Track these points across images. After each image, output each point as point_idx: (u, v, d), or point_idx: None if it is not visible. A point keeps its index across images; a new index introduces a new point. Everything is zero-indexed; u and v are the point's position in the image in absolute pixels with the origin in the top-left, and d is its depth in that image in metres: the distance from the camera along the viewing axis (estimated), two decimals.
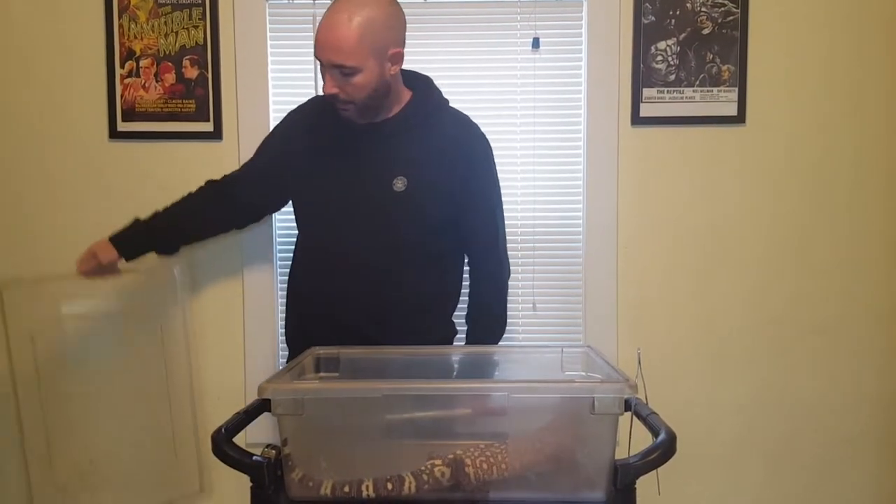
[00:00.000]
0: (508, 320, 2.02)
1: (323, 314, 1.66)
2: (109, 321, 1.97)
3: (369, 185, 1.62)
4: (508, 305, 2.07)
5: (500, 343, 1.77)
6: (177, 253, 1.83)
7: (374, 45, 1.50)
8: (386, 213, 1.61)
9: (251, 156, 1.83)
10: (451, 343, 1.75)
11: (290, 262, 1.82)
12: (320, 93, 1.65)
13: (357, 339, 1.54)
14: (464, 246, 1.72)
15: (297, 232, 1.79)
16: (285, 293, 1.81)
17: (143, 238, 1.77)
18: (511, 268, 2.07)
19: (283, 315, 1.84)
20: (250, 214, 1.87)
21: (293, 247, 1.81)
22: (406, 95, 1.66)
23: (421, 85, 1.69)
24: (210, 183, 1.83)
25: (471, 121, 1.72)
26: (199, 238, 1.89)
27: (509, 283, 2.08)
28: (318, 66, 1.58)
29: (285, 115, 1.81)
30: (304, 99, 2.10)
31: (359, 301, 1.65)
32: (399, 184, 1.60)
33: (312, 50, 1.56)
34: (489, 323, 1.73)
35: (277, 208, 1.91)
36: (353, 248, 1.64)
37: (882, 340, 2.10)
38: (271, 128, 2.06)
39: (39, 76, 2.06)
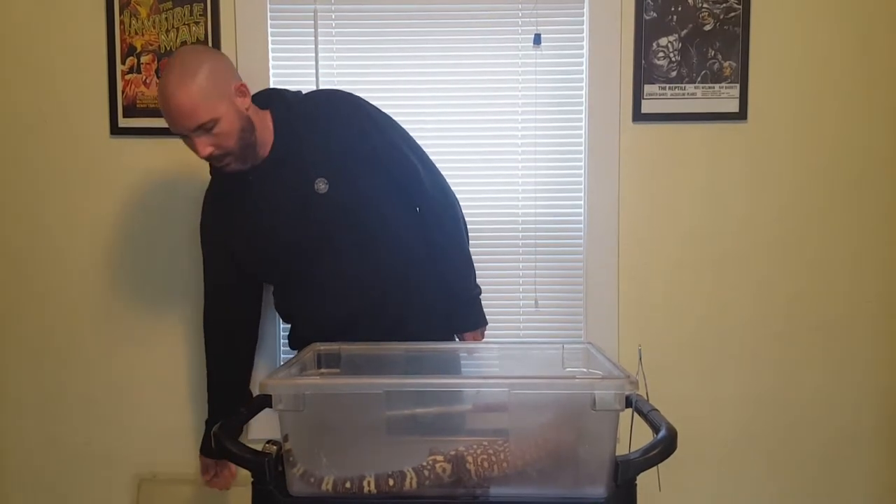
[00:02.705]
0: (509, 317, 2.03)
1: (335, 333, 1.65)
2: None
3: (301, 207, 1.62)
4: (509, 301, 2.09)
5: (501, 339, 1.78)
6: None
7: (216, 90, 1.50)
8: (327, 218, 1.63)
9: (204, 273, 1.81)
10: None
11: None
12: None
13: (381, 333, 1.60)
14: (402, 191, 1.73)
15: None
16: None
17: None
18: (508, 259, 2.09)
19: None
20: (256, 298, 1.84)
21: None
22: (268, 118, 1.64)
23: (272, 99, 1.67)
24: (209, 327, 1.83)
25: (327, 91, 1.74)
26: (252, 357, 1.89)
27: (512, 278, 2.10)
28: (184, 141, 1.57)
29: (200, 227, 1.79)
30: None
31: (361, 303, 1.67)
32: (321, 185, 1.61)
33: (169, 125, 1.54)
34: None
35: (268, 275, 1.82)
36: (329, 267, 1.66)
37: (884, 337, 2.10)
38: None
39: (40, 72, 2.06)
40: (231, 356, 1.83)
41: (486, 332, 1.81)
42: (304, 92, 1.72)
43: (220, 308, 1.80)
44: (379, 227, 1.67)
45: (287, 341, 1.84)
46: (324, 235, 1.64)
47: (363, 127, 1.66)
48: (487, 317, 1.79)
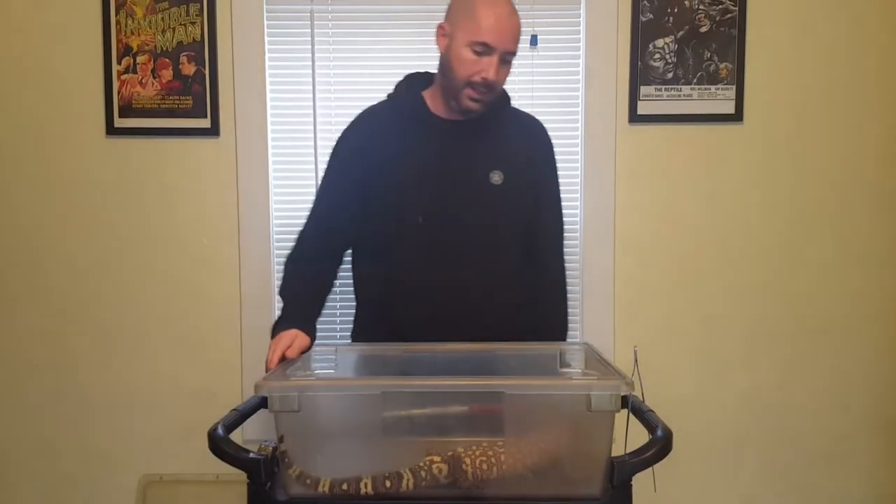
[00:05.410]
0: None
1: (421, 316, 1.59)
2: None
3: (466, 180, 1.60)
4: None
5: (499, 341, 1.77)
6: None
7: None
8: (485, 207, 1.60)
9: (316, 199, 1.68)
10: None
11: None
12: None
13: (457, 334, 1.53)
14: (523, 226, 1.68)
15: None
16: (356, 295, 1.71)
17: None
18: None
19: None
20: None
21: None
22: None
23: None
24: (304, 241, 1.68)
25: (533, 116, 1.73)
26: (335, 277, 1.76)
27: None
28: (463, 55, 1.51)
29: (340, 138, 1.67)
30: (302, 95, 2.10)
31: (462, 295, 1.61)
32: (496, 177, 1.60)
33: (477, 36, 1.48)
34: (559, 319, 1.73)
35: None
36: (454, 245, 1.60)
37: (879, 339, 2.11)
38: (268, 124, 2.07)
39: (37, 72, 2.05)
40: (320, 271, 1.68)
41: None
42: None
43: (325, 227, 1.66)
44: (502, 239, 1.64)
45: (351, 337, 1.74)
46: (465, 218, 1.59)
47: (547, 157, 1.69)
48: None
